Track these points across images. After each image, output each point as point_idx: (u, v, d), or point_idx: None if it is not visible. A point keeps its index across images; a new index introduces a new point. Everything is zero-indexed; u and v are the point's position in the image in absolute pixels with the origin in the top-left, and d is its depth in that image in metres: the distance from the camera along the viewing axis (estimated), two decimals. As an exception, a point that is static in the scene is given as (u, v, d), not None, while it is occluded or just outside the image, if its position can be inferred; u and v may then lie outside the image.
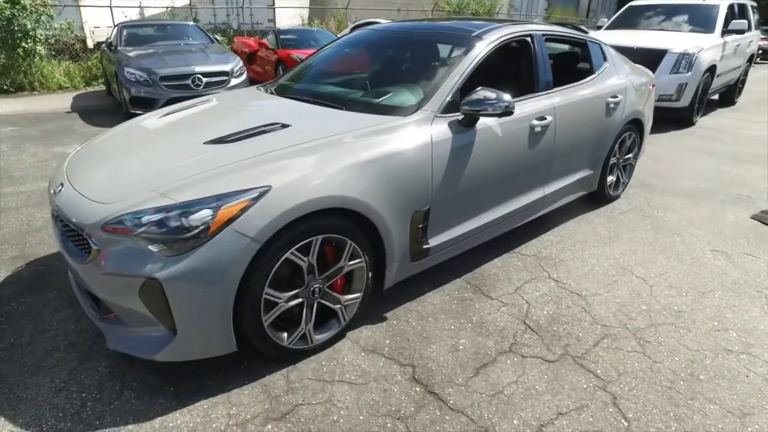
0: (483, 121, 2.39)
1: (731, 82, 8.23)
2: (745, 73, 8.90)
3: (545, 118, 2.74)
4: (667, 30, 7.30)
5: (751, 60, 8.95)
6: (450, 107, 2.31)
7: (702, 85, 6.47)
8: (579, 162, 3.22)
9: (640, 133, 3.80)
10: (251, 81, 10.11)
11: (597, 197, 3.64)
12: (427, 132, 2.19)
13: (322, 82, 2.93)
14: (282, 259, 1.80)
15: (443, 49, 2.70)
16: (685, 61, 6.18)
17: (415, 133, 2.15)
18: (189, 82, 6.62)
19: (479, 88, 2.28)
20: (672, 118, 6.52)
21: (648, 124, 3.95)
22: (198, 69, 6.72)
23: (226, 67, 7.00)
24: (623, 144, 3.62)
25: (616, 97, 3.34)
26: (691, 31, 7.13)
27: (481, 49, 2.53)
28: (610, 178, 3.63)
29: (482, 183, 2.47)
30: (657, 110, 5.92)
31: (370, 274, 2.14)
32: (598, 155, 3.37)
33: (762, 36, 14.42)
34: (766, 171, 4.74)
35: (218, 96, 3.05)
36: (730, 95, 8.56)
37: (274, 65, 8.79)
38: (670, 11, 7.61)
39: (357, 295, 2.14)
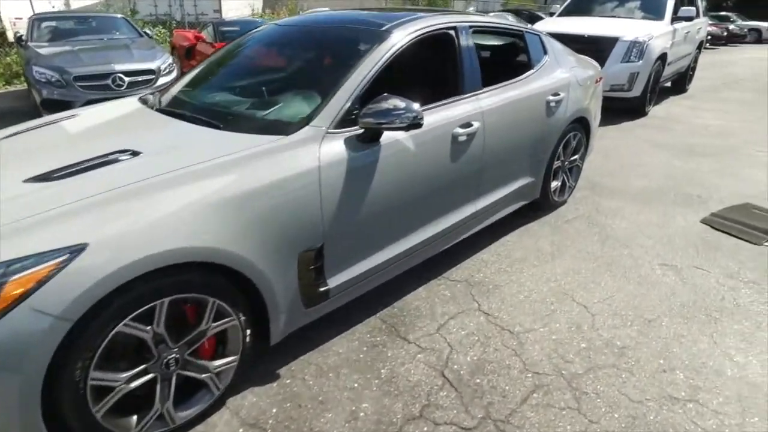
0: (391, 135, 2.00)
1: (682, 70, 8.11)
2: (695, 60, 8.81)
3: (471, 125, 2.36)
4: (619, 17, 7.07)
5: (700, 47, 8.87)
6: (347, 120, 1.90)
7: (654, 73, 6.27)
8: (517, 169, 2.88)
9: (586, 132, 3.49)
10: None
11: (541, 205, 3.32)
12: (314, 154, 1.77)
13: (210, 92, 2.45)
14: (112, 333, 1.37)
15: (347, 48, 2.27)
16: (636, 49, 5.95)
17: (297, 157, 1.74)
18: (109, 82, 5.98)
19: (383, 95, 1.89)
20: (624, 108, 6.31)
21: (595, 121, 3.64)
22: (119, 67, 6.08)
23: (152, 65, 6.38)
24: (568, 145, 3.30)
25: (558, 94, 2.99)
26: (643, 18, 6.92)
27: (391, 46, 2.12)
28: (555, 184, 3.31)
29: (393, 207, 2.08)
30: (609, 100, 5.70)
31: (248, 332, 1.73)
32: (539, 160, 3.04)
33: (710, 22, 14.59)
34: (717, 165, 4.53)
35: (88, 109, 2.54)
36: (681, 83, 8.45)
37: (212, 60, 8.18)
38: (621, -2, 7.38)
39: (232, 358, 1.73)
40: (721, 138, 5.53)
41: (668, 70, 7.06)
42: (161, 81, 6.40)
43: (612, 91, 6.02)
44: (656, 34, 6.18)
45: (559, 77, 3.09)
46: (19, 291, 1.22)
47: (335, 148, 1.84)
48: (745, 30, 21.70)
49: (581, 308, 2.37)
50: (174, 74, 6.66)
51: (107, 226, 1.36)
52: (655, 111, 6.87)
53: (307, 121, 1.86)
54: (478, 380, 1.92)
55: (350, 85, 1.95)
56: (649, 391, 1.87)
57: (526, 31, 3.06)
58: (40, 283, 1.24)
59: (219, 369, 1.70)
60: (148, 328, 1.46)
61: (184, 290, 1.50)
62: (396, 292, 2.46)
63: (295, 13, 14.19)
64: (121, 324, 1.38)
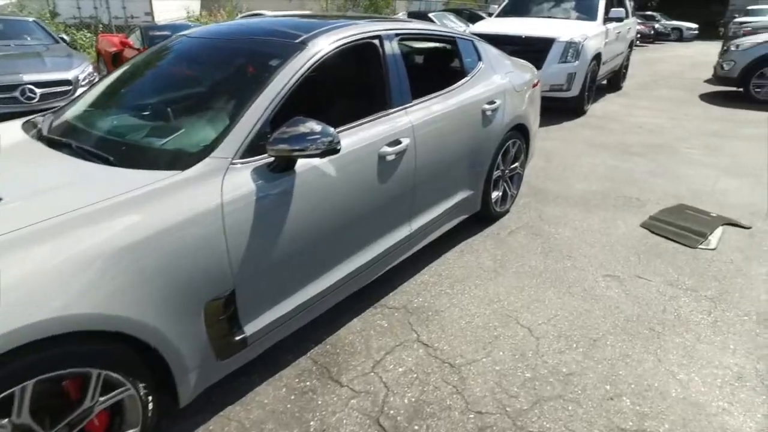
0: (307, 161, 1.79)
1: (616, 68, 8.35)
2: (628, 58, 9.12)
3: (400, 142, 2.18)
4: (555, 17, 7.16)
5: (631, 46, 9.19)
6: (256, 147, 1.67)
7: (590, 73, 6.37)
8: (454, 183, 2.73)
9: (526, 139, 3.40)
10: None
11: (482, 217, 3.20)
12: (215, 190, 1.53)
13: (107, 116, 2.12)
14: None
15: (258, 63, 2.03)
16: (573, 49, 6.02)
17: (195, 196, 1.49)
18: (17, 94, 5.41)
19: (295, 118, 1.67)
20: (564, 107, 6.39)
21: (535, 126, 3.57)
22: (28, 78, 5.52)
23: (68, 75, 5.84)
24: (507, 154, 3.20)
25: (494, 102, 2.87)
26: (577, 18, 7.04)
27: (306, 60, 1.90)
28: (495, 194, 3.20)
29: (314, 240, 1.87)
30: (549, 100, 5.72)
31: (149, 398, 1.48)
32: (478, 172, 2.91)
33: (639, 21, 15.28)
34: (652, 164, 4.61)
35: None
36: (616, 80, 8.72)
37: (139, 67, 7.63)
38: (556, -1, 7.49)
39: (133, 431, 1.47)
40: (654, 136, 5.67)
41: (603, 69, 7.22)
42: (79, 92, 5.89)
43: (551, 91, 6.07)
44: (590, 35, 6.29)
45: (494, 84, 2.97)
46: None
47: (241, 181, 1.60)
48: (669, 29, 23.02)
49: (525, 332, 2.25)
50: (94, 84, 6.14)
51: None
52: (593, 109, 7.02)
53: (208, 151, 1.62)
54: (416, 427, 1.74)
55: (258, 107, 1.71)
56: (597, 423, 1.76)
57: (459, 37, 2.92)
58: None
59: (109, 445, 1.43)
60: (4, 421, 1.18)
61: (57, 367, 1.23)
62: (328, 326, 2.25)
63: (233, 16, 13.64)
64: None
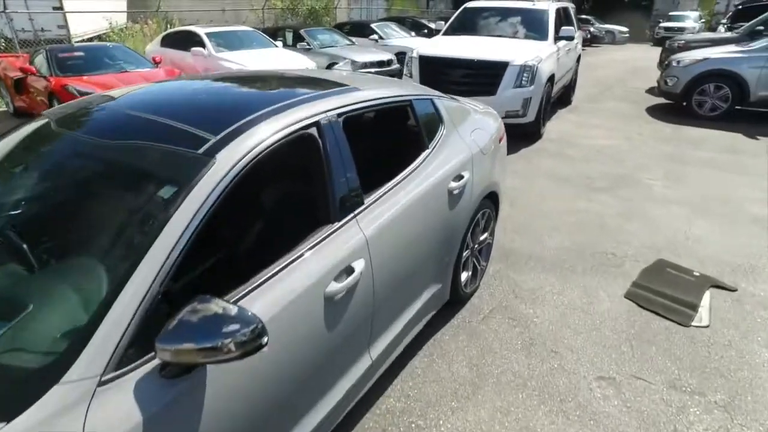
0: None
1: (567, 84, 8.22)
2: (576, 72, 9.04)
3: (353, 270, 1.65)
4: (505, 36, 6.87)
5: (579, 60, 9.13)
6: (134, 346, 1.10)
7: (545, 95, 6.11)
8: (420, 285, 2.25)
9: (495, 204, 2.97)
10: (23, 115, 7.69)
11: (450, 302, 2.73)
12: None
13: None
14: None
15: (132, 194, 1.43)
16: (527, 73, 5.72)
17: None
18: None
19: (198, 298, 1.11)
20: (520, 133, 6.08)
21: (503, 185, 3.14)
22: None
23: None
24: (477, 227, 2.75)
25: (461, 177, 2.40)
26: (527, 37, 6.78)
27: (214, 183, 1.31)
28: (465, 275, 2.75)
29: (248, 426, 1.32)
30: (505, 127, 5.40)
31: None
32: (446, 261, 2.44)
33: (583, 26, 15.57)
34: (620, 205, 4.34)
35: None
36: (566, 95, 8.61)
37: (47, 100, 6.63)
38: (504, 14, 7.21)
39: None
40: (613, 164, 5.46)
41: (556, 88, 7.02)
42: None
43: (507, 117, 5.71)
44: (544, 56, 6.02)
45: (460, 153, 2.49)
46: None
47: (118, 409, 1.03)
48: (603, 32, 23.84)
49: (521, 488, 1.80)
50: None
51: None
52: (548, 130, 6.78)
53: (55, 368, 1.02)
54: None
55: (140, 280, 1.13)
56: None
57: (415, 98, 2.41)
58: None
59: None
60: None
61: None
62: None
63: (162, 28, 12.53)
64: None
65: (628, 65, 14.69)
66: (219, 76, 2.51)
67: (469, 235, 2.62)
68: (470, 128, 2.75)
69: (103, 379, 1.04)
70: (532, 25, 6.83)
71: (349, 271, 1.64)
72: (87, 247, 1.33)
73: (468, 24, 7.31)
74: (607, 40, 23.81)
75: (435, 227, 2.22)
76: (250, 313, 1.10)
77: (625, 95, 9.70)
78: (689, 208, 4.25)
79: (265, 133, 1.51)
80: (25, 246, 1.36)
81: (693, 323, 2.70)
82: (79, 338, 1.06)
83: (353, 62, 9.64)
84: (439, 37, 7.29)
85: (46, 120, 1.83)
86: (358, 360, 1.85)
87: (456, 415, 2.12)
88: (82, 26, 12.70)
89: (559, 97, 8.29)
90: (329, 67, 10.01)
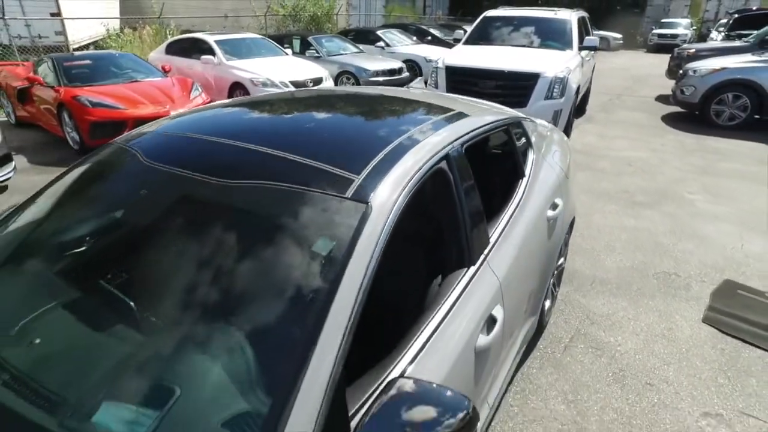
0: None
1: (584, 93, 8.19)
2: (590, 81, 9.03)
3: (495, 320, 1.51)
4: (528, 46, 6.80)
5: (593, 69, 9.11)
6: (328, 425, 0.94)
7: (573, 107, 6.04)
8: (522, 324, 2.10)
9: (571, 230, 2.85)
10: (25, 125, 7.39)
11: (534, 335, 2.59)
12: None
13: (20, 329, 1.18)
14: None
15: (281, 244, 1.20)
16: (558, 85, 5.65)
17: None
18: None
19: (398, 381, 0.97)
20: (548, 146, 6.00)
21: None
22: None
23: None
24: (559, 255, 2.62)
25: (556, 207, 2.27)
26: (551, 47, 6.72)
27: (372, 234, 1.15)
28: (548, 304, 2.62)
29: None
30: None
31: None
32: (541, 295, 2.30)
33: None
34: (667, 221, 4.26)
35: None
36: (582, 105, 8.57)
37: (56, 110, 6.37)
38: (525, 23, 7.15)
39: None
40: (647, 177, 5.39)
41: (578, 99, 6.97)
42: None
43: (535, 129, 5.66)
44: (572, 67, 5.95)
45: (550, 178, 2.37)
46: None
47: None
48: (598, 39, 24.08)
49: None
50: (-2, 140, 4.93)
51: None
52: (573, 142, 6.68)
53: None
54: None
55: (320, 362, 0.95)
56: None
57: (511, 121, 2.27)
58: None
59: None
60: None
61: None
62: None
63: (161, 35, 12.27)
64: None
65: (629, 73, 14.79)
66: (298, 98, 2.33)
67: (555, 263, 2.49)
68: (551, 150, 2.63)
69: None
70: (556, 34, 6.78)
71: (492, 320, 1.49)
72: (229, 314, 1.12)
73: (489, 33, 7.23)
74: (602, 46, 24.02)
75: (540, 260, 2.10)
76: (465, 401, 0.94)
77: (637, 104, 9.71)
78: (738, 223, 4.18)
79: (408, 171, 1.36)
80: (139, 309, 1.18)
81: (784, 351, 2.61)
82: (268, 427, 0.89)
83: (365, 71, 9.50)
84: (461, 47, 7.19)
85: (129, 151, 1.64)
86: (481, 407, 1.70)
87: (569, 462, 1.98)
88: (79, 32, 12.41)
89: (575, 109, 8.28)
90: (339, 75, 9.87)
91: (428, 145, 1.51)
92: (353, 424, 0.98)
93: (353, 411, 1.01)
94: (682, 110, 8.28)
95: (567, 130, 6.12)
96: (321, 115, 1.92)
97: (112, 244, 1.46)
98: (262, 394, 0.96)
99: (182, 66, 8.77)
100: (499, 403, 2.06)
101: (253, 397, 0.97)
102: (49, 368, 1.11)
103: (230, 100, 2.23)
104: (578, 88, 6.23)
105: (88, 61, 7.33)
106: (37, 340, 1.18)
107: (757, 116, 7.30)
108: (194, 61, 8.67)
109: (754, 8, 17.90)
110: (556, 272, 2.67)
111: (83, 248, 1.45)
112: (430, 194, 1.58)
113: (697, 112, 7.86)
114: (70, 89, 6.30)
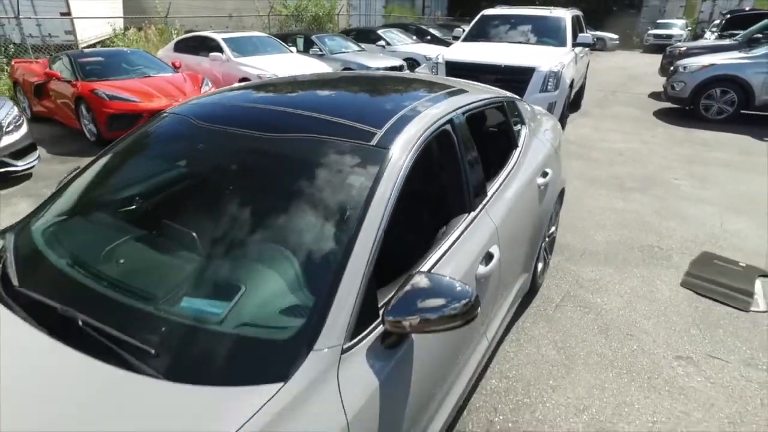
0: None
1: (578, 89, 8.50)
2: (585, 77, 9.34)
3: (492, 256, 1.81)
4: (524, 42, 7.12)
5: (587, 65, 9.43)
6: (361, 319, 1.23)
7: (567, 100, 6.35)
8: (518, 274, 2.41)
9: (561, 199, 3.16)
10: (40, 120, 7.68)
11: (527, 293, 2.89)
12: (334, 400, 1.08)
13: (105, 254, 1.48)
14: None
15: (319, 180, 1.48)
16: (552, 79, 5.96)
17: (313, 420, 1.03)
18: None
19: (415, 277, 1.25)
20: (543, 137, 6.31)
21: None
22: (-61, 127, 4.57)
23: (-11, 120, 4.92)
24: (551, 222, 2.92)
25: (546, 174, 2.58)
26: (546, 43, 7.04)
27: (393, 171, 1.44)
28: (540, 266, 2.92)
29: (424, 411, 1.45)
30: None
31: None
32: (532, 253, 2.60)
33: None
34: (654, 203, 4.57)
35: None
36: (577, 100, 8.88)
37: (74, 104, 6.66)
38: (521, 21, 7.47)
39: None
40: (637, 165, 5.70)
41: (572, 92, 7.28)
42: (6, 142, 4.97)
43: (531, 121, 5.96)
44: (566, 62, 6.26)
45: (541, 151, 2.68)
46: None
47: (357, 375, 1.15)
48: (595, 39, 24.44)
49: (635, 455, 1.96)
50: (22, 130, 5.22)
51: None
52: (567, 134, 6.99)
53: (304, 338, 1.14)
54: None
55: (358, 261, 1.25)
56: None
57: (506, 100, 2.58)
58: None
59: None
60: None
61: None
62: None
63: (168, 35, 12.57)
64: None
65: (624, 71, 15.12)
66: (320, 77, 2.63)
67: (547, 227, 2.79)
68: (541, 128, 2.93)
69: (344, 347, 1.16)
70: (551, 31, 7.09)
71: (489, 256, 1.79)
72: (286, 235, 1.41)
73: (486, 31, 7.55)
74: (599, 46, 24.38)
75: (531, 219, 2.39)
76: (468, 289, 1.23)
77: (630, 100, 10.03)
78: (720, 205, 4.49)
79: (417, 129, 1.65)
80: (211, 231, 1.48)
81: (752, 309, 2.91)
82: (315, 315, 1.17)
83: (367, 68, 9.81)
84: (460, 43, 7.50)
85: (182, 117, 1.93)
86: (481, 340, 1.99)
87: (557, 393, 2.27)
88: (87, 32, 12.68)
89: (570, 103, 8.59)
90: (342, 72, 10.17)
91: (435, 111, 1.81)
92: (381, 312, 1.27)
93: (381, 304, 1.30)
94: (674, 106, 8.60)
95: (561, 122, 6.40)
96: (342, 89, 2.22)
97: (182, 184, 1.77)
98: (310, 291, 1.25)
99: (191, 63, 9.06)
100: (497, 344, 2.36)
101: (302, 294, 1.25)
102: (137, 276, 1.41)
103: (258, 81, 2.52)
104: (572, 82, 6.54)
105: (101, 58, 7.62)
106: (122, 260, 1.48)
107: (743, 111, 7.61)
108: (202, 58, 8.97)
109: (747, 9, 18.29)
110: (548, 239, 2.97)
111: (155, 189, 1.76)
112: (437, 152, 1.88)
113: (688, 107, 8.18)
114: (88, 83, 6.59)
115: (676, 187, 5.00)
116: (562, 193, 3.04)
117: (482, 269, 1.72)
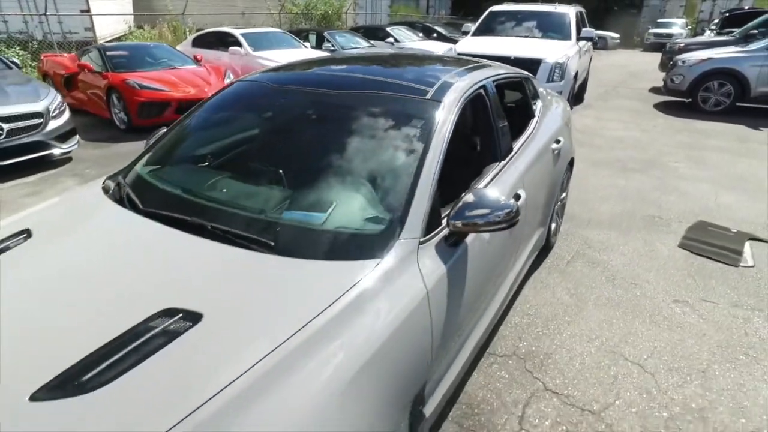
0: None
1: (582, 83, 8.88)
2: (588, 72, 9.72)
3: (520, 196, 2.19)
4: (531, 36, 7.50)
5: (590, 60, 9.81)
6: (431, 222, 1.61)
7: (571, 90, 6.73)
8: (536, 226, 2.78)
9: (571, 169, 3.53)
10: (71, 111, 8.03)
11: (542, 250, 3.27)
12: (416, 276, 1.45)
13: (213, 183, 1.89)
14: None
15: (388, 123, 1.89)
16: (558, 70, 6.33)
17: (405, 286, 1.41)
18: (-19, 131, 4.83)
19: (474, 191, 1.62)
20: (550, 125, 6.69)
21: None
22: (-6, 112, 4.94)
23: (38, 106, 5.29)
24: (562, 187, 3.30)
25: (559, 141, 2.96)
26: (551, 37, 7.42)
27: (445, 117, 1.84)
28: (553, 226, 3.30)
29: (473, 308, 1.83)
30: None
31: None
32: (549, 210, 2.98)
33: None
34: (654, 181, 4.95)
35: (36, 219, 1.82)
36: (580, 93, 9.26)
37: (105, 93, 7.04)
38: (527, 17, 7.85)
39: None
40: (638, 150, 6.07)
41: (576, 84, 7.65)
42: (51, 125, 5.35)
43: (539, 110, 6.34)
44: (571, 54, 6.64)
45: (555, 122, 3.06)
46: None
47: (432, 261, 1.53)
48: (596, 38, 24.82)
49: (638, 368, 2.33)
50: (66, 116, 5.61)
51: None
52: (572, 123, 7.38)
53: (392, 231, 1.52)
54: (596, 488, 1.75)
55: (427, 177, 1.64)
56: (753, 461, 1.86)
57: (523, 77, 2.97)
58: None
59: None
60: None
61: None
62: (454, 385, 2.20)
63: (182, 32, 12.97)
64: None
65: (626, 69, 15.50)
66: (368, 54, 3.01)
67: (559, 189, 3.17)
68: (553, 105, 3.31)
69: (420, 240, 1.54)
70: (556, 26, 7.48)
71: (517, 196, 2.17)
72: (369, 163, 1.79)
73: (494, 26, 7.93)
74: (600, 45, 24.75)
75: (547, 176, 2.77)
76: (511, 201, 1.61)
77: (632, 94, 10.41)
78: (714, 184, 4.86)
79: (460, 90, 2.03)
80: (304, 162, 1.87)
81: (741, 264, 3.28)
82: (399, 216, 1.55)
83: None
84: (470, 38, 7.89)
85: (258, 82, 2.30)
86: (511, 268, 2.37)
87: (572, 326, 2.65)
88: (103, 29, 13.09)
89: (574, 94, 8.97)
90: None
91: (471, 78, 2.20)
92: (443, 221, 1.64)
93: (444, 216, 1.68)
94: (674, 99, 8.97)
95: (567, 112, 6.81)
96: (389, 62, 2.61)
97: (270, 132, 2.17)
98: (395, 201, 1.62)
99: (210, 57, 9.43)
100: (518, 288, 2.73)
101: (389, 203, 1.63)
102: (242, 200, 1.77)
103: (315, 57, 2.89)
104: (576, 73, 6.92)
105: (128, 52, 8.01)
106: (224, 190, 1.85)
107: (739, 103, 7.99)
108: (221, 52, 9.35)
109: (746, 7, 18.68)
110: (559, 203, 3.34)
111: (244, 136, 2.15)
112: (473, 111, 2.26)
113: (686, 99, 8.56)
114: (119, 74, 6.98)
115: (675, 168, 5.37)
116: (571, 162, 3.42)
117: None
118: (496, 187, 2.01)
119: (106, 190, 1.92)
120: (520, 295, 2.90)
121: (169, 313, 1.21)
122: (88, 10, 11.74)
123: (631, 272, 3.20)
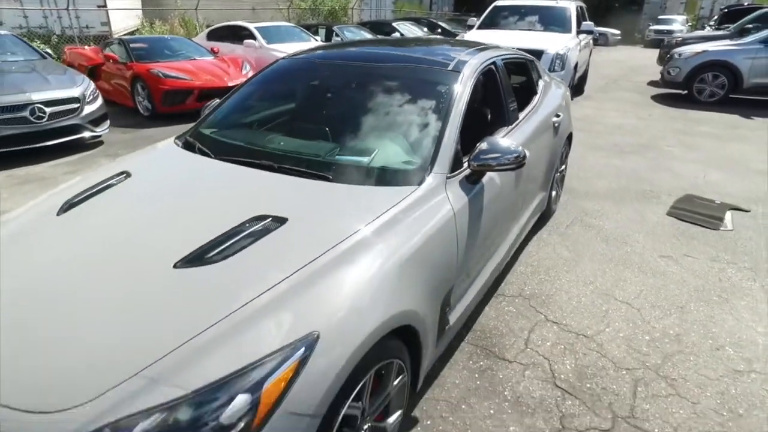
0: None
1: (582, 75, 9.25)
2: (588, 63, 10.09)
3: (525, 154, 2.58)
4: (533, 30, 7.88)
5: (590, 53, 10.18)
6: (455, 163, 2.00)
7: (572, 80, 7.10)
8: (537, 188, 3.17)
9: (569, 144, 3.92)
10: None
11: (543, 216, 3.66)
12: (445, 200, 1.86)
13: (270, 138, 2.30)
14: (338, 423, 1.31)
15: (426, 87, 2.30)
16: (559, 60, 6.71)
17: (437, 205, 1.81)
18: (26, 114, 5.23)
19: (488, 138, 2.03)
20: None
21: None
22: (36, 96, 5.34)
23: (75, 92, 5.69)
24: (561, 159, 3.69)
25: (559, 115, 3.35)
26: (553, 30, 7.79)
27: (465, 84, 2.24)
28: (553, 194, 3.69)
29: (488, 239, 2.23)
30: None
31: (409, 383, 1.76)
32: (548, 176, 3.37)
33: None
34: (648, 162, 5.33)
35: (129, 164, 2.24)
36: (581, 85, 9.63)
37: (130, 83, 7.45)
38: (530, 11, 8.23)
39: (398, 413, 1.75)
40: (634, 136, 6.46)
41: (576, 76, 8.03)
42: (87, 110, 5.76)
43: (541, 98, 6.72)
44: (571, 46, 7.02)
45: (555, 100, 3.45)
46: (275, 396, 1.13)
47: (456, 191, 1.93)
48: (598, 34, 25.15)
49: (626, 306, 2.73)
50: (99, 101, 6.01)
51: (321, 307, 1.31)
52: (573, 113, 7.76)
53: (426, 167, 1.92)
54: (588, 385, 2.15)
55: (452, 127, 2.04)
56: (718, 368, 2.25)
57: (528, 59, 3.36)
58: (291, 380, 1.16)
59: (392, 427, 1.71)
60: (359, 403, 1.43)
61: (383, 357, 1.49)
62: (468, 317, 2.60)
63: (193, 26, 13.35)
64: (344, 410, 1.32)
65: (626, 64, 15.85)
66: (393, 39, 3.41)
67: (558, 160, 3.56)
68: (553, 86, 3.70)
69: (447, 176, 1.94)
70: (557, 20, 7.86)
71: (524, 155, 2.56)
72: (404, 116, 2.19)
73: (498, 20, 8.31)
74: (601, 41, 25.07)
75: (547, 147, 3.17)
76: (519, 147, 2.01)
77: (631, 87, 10.78)
78: (704, 164, 5.25)
79: (475, 64, 2.43)
80: (348, 120, 2.28)
81: (721, 228, 3.67)
82: (432, 156, 1.96)
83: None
84: (475, 31, 8.27)
85: (298, 59, 2.71)
86: (516, 224, 2.77)
87: (569, 274, 3.04)
88: (118, 24, 13.48)
89: (574, 85, 9.34)
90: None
91: (483, 55, 2.59)
92: (465, 163, 2.04)
93: (465, 159, 2.07)
94: (671, 91, 9.34)
95: (567, 101, 7.19)
96: (410, 44, 3.02)
97: (318, 97, 2.57)
98: (429, 143, 2.02)
99: (223, 50, 9.82)
100: (521, 245, 3.12)
101: (419, 149, 2.02)
102: (299, 149, 2.17)
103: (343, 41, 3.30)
104: (576, 64, 7.30)
105: (148, 44, 8.41)
106: (282, 143, 2.25)
107: (732, 95, 8.35)
108: (235, 45, 9.73)
109: (746, 3, 18.99)
110: (558, 173, 3.74)
111: (296, 103, 2.56)
112: (485, 82, 2.65)
113: (683, 91, 8.93)
114: (143, 65, 7.38)
115: (668, 152, 5.76)
116: (570, 137, 3.81)
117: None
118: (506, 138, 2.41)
119: (178, 145, 2.33)
120: (524, 251, 3.30)
121: (261, 218, 1.61)
122: (105, 5, 12.13)
123: (623, 234, 3.59)
